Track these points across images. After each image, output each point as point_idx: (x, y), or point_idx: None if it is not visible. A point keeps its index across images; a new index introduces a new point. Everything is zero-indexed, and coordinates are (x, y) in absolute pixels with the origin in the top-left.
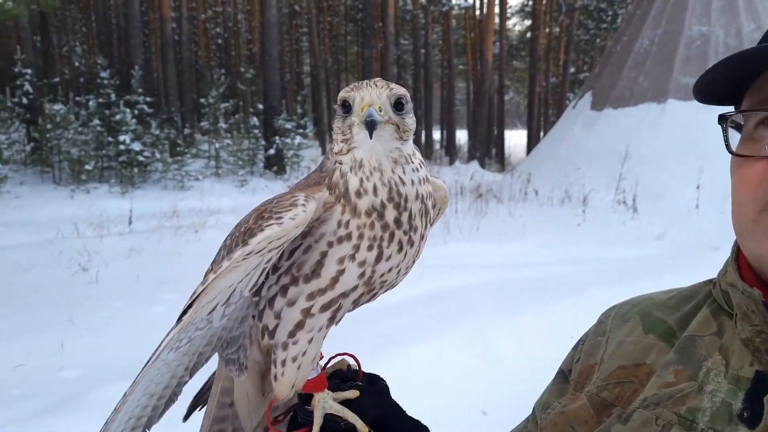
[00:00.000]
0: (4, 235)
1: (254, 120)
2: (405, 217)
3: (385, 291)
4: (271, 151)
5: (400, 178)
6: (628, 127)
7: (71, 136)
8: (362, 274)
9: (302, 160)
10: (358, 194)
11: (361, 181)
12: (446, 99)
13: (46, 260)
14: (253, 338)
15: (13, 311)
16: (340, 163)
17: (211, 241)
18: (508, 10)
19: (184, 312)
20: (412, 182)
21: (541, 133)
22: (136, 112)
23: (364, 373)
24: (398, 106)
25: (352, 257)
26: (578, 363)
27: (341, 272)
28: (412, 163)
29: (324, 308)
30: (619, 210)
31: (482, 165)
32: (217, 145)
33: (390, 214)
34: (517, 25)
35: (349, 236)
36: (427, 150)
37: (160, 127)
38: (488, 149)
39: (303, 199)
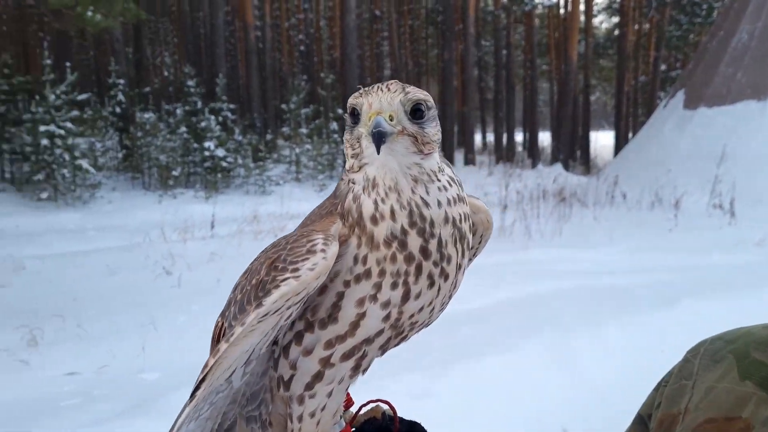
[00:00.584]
0: (96, 239)
1: (334, 125)
2: (433, 245)
3: (417, 332)
4: None
5: (422, 199)
6: (725, 127)
7: (160, 143)
8: (387, 317)
9: None
10: (374, 220)
11: (376, 203)
12: (529, 100)
13: (133, 263)
14: (274, 391)
15: (100, 313)
16: (353, 183)
17: None
18: (594, 8)
19: (198, 386)
20: (439, 203)
21: (630, 134)
22: (220, 119)
23: (401, 419)
24: (416, 113)
25: (374, 298)
26: (659, 409)
27: (362, 316)
28: (438, 180)
29: (345, 357)
30: (714, 214)
31: (566, 167)
32: (297, 150)
33: (413, 242)
34: (603, 22)
35: (368, 273)
36: (508, 153)
37: (243, 133)
38: (572, 151)
39: (322, 243)
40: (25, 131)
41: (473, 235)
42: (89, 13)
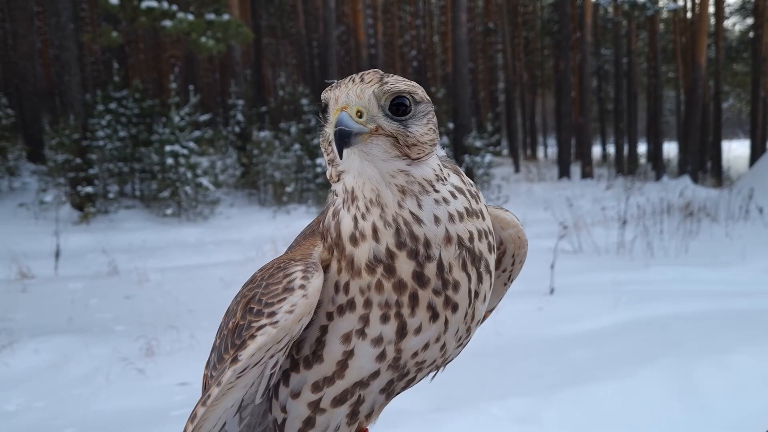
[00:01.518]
0: (214, 253)
1: (445, 139)
2: (431, 269)
3: (429, 373)
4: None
5: (412, 214)
6: None
7: (275, 161)
8: (382, 356)
9: (493, 179)
10: (353, 240)
11: (356, 220)
12: (653, 109)
13: (245, 277)
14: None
15: (212, 325)
16: (336, 195)
17: None
18: (726, 9)
19: None
20: (436, 219)
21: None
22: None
23: None
24: (398, 108)
25: (361, 333)
26: None
27: (349, 354)
28: (435, 191)
29: (337, 402)
30: None
31: (694, 180)
32: None
33: (403, 266)
34: (736, 24)
35: (351, 304)
36: (630, 165)
37: None
38: (702, 162)
39: (301, 277)
40: (152, 151)
41: (504, 255)
42: (203, 39)
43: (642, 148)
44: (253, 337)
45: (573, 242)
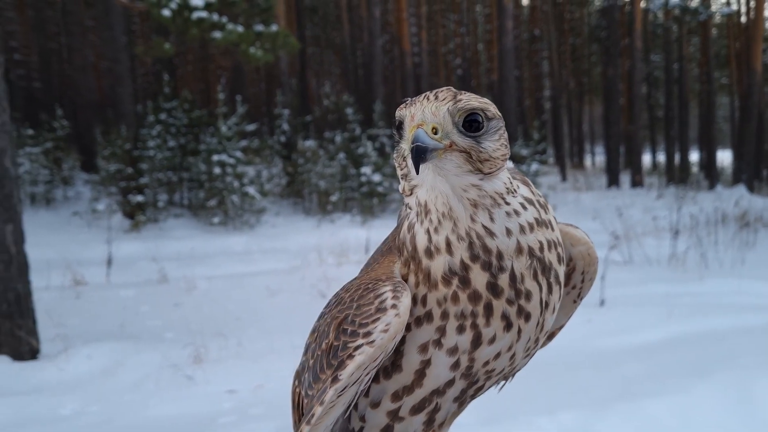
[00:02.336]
0: (259, 261)
1: None
2: (504, 280)
3: (498, 382)
4: None
5: (485, 227)
6: None
7: (320, 170)
8: (456, 365)
9: (539, 188)
10: (429, 254)
11: (429, 234)
12: (705, 116)
13: (291, 285)
14: None
15: (259, 333)
16: (409, 209)
17: None
18: None
19: None
20: (508, 231)
21: None
22: (377, 144)
23: None
24: (471, 125)
25: (438, 343)
26: None
27: (426, 363)
28: (506, 204)
29: (415, 410)
30: None
31: (750, 189)
32: None
33: (478, 278)
34: None
35: (429, 316)
36: (681, 174)
37: None
38: (758, 171)
39: (391, 297)
40: (200, 161)
41: (574, 272)
42: (252, 50)
43: (694, 156)
44: (351, 357)
45: (623, 253)
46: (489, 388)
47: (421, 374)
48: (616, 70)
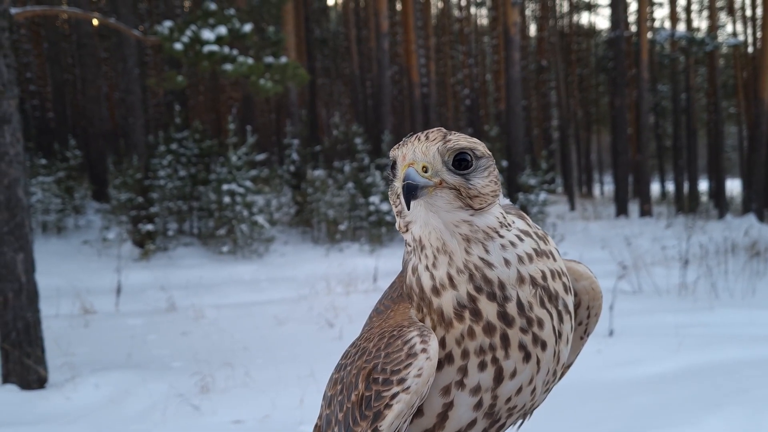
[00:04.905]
0: (268, 290)
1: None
2: (512, 308)
3: (515, 421)
4: None
5: (481, 259)
6: None
7: (328, 199)
8: (479, 404)
9: (548, 217)
10: (436, 292)
11: (430, 271)
12: (713, 146)
13: (299, 315)
14: None
15: (267, 362)
16: (408, 246)
17: None
18: None
19: None
20: (506, 262)
21: None
22: (385, 174)
23: None
24: (461, 163)
25: (460, 384)
26: None
27: (449, 406)
28: (500, 237)
29: None
30: None
31: (760, 218)
32: None
33: (487, 308)
34: None
35: (449, 358)
36: (690, 203)
37: None
38: None
39: (420, 341)
40: (210, 190)
41: (579, 307)
42: (261, 81)
43: (703, 185)
44: (389, 406)
45: (632, 282)
46: (509, 425)
47: (443, 417)
48: (624, 101)
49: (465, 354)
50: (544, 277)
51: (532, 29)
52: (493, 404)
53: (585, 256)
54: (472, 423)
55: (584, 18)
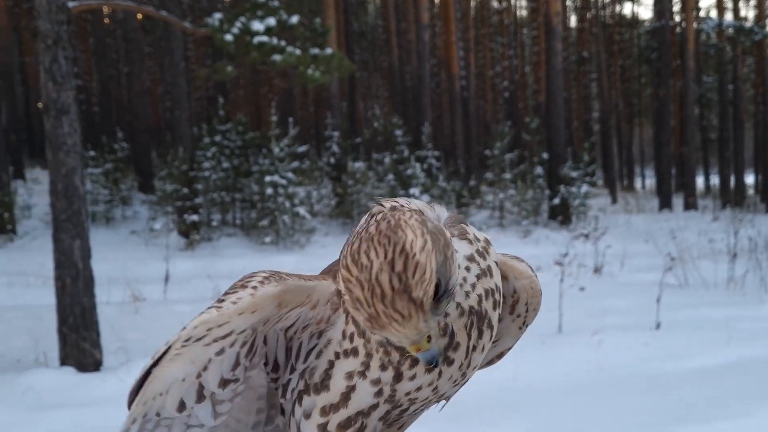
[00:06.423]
0: None
1: (539, 169)
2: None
3: (427, 407)
4: (556, 201)
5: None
6: None
7: (369, 191)
8: (379, 393)
9: (589, 210)
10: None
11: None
12: (761, 138)
13: None
14: None
15: None
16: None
17: None
18: None
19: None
20: (457, 305)
21: None
22: (425, 166)
23: None
24: (437, 305)
25: (362, 374)
26: None
27: (351, 389)
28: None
29: (342, 427)
30: None
31: None
32: (501, 195)
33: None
34: None
35: (355, 351)
36: (737, 196)
37: (447, 179)
38: None
39: (259, 280)
40: (253, 182)
41: (518, 303)
42: (309, 71)
43: (750, 178)
44: (200, 314)
45: (678, 276)
46: (417, 409)
47: (346, 397)
48: (668, 91)
49: (369, 355)
50: (479, 302)
51: (572, 20)
52: (393, 395)
53: (628, 249)
54: (374, 406)
55: (627, 8)
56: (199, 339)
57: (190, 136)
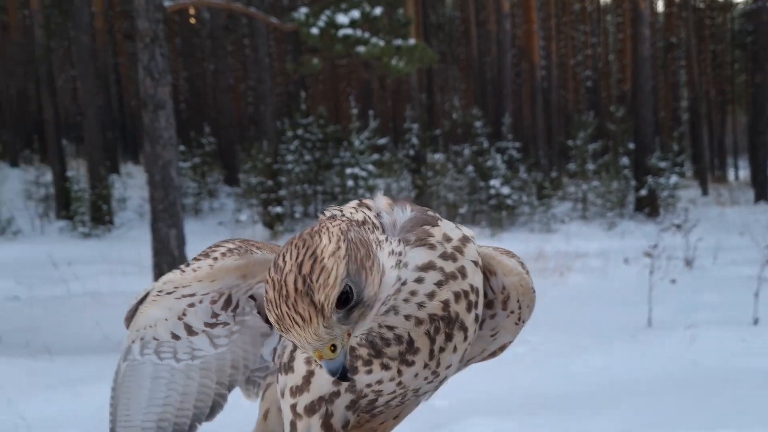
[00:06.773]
0: None
1: (624, 160)
2: (392, 349)
3: (410, 400)
4: (643, 192)
5: (380, 326)
6: None
7: (448, 182)
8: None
9: (678, 201)
10: None
11: None
12: None
13: None
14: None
15: None
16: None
17: (576, 285)
18: None
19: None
20: (406, 317)
21: None
22: (506, 157)
23: None
24: (343, 304)
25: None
26: None
27: (311, 374)
28: (402, 301)
29: (309, 411)
30: None
31: None
32: (584, 187)
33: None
34: None
35: None
36: None
37: (528, 170)
38: None
39: (221, 253)
40: (334, 174)
41: (509, 299)
42: (393, 62)
43: None
44: (169, 273)
45: None
46: (386, 402)
47: (307, 381)
48: (765, 77)
49: None
50: (446, 307)
51: (660, 5)
52: (353, 386)
53: (723, 243)
54: (336, 394)
55: None
56: (169, 293)
57: (274, 130)
